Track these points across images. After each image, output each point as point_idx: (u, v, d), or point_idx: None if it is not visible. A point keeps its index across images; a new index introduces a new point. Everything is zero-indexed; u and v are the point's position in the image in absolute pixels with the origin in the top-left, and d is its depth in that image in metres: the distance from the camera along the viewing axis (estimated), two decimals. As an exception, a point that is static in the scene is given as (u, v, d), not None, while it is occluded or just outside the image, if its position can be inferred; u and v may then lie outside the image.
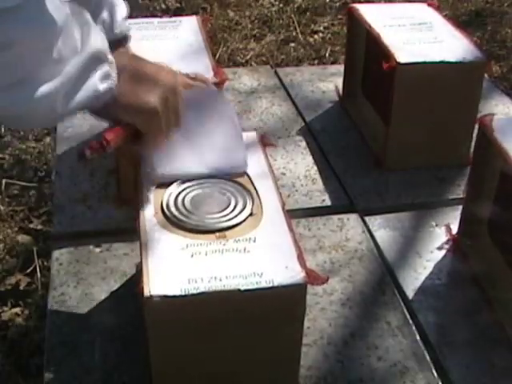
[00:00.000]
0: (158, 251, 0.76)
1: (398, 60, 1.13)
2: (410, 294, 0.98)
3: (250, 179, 0.88)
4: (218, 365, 0.78)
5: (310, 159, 1.27)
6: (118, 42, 0.92)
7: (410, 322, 0.94)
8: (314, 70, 1.67)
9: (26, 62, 0.67)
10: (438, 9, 1.35)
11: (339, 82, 1.46)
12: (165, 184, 0.86)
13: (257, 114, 1.42)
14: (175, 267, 0.74)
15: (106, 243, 1.05)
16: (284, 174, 1.23)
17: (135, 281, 0.76)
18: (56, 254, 1.04)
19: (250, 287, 0.71)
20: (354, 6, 1.33)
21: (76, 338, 0.90)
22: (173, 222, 0.80)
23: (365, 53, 1.35)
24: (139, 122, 0.82)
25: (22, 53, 0.66)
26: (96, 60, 0.75)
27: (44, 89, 0.69)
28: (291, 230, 0.79)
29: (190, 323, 0.73)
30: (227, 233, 0.79)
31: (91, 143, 0.80)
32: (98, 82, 0.76)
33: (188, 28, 1.25)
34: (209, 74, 1.08)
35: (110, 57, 0.78)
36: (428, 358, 0.89)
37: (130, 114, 0.81)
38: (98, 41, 0.76)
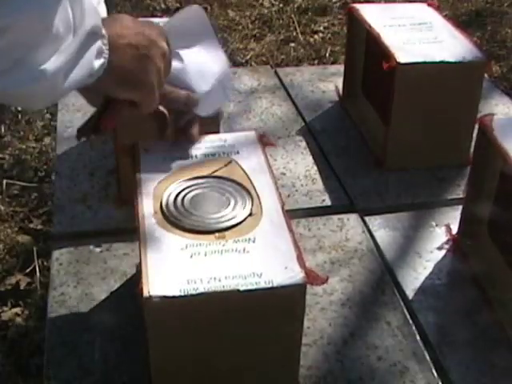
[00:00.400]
0: (157, 251, 0.76)
1: (398, 60, 1.13)
2: (410, 293, 0.98)
3: (250, 179, 0.88)
4: (218, 365, 0.78)
5: (310, 159, 1.27)
6: None
7: (410, 322, 0.94)
8: (314, 69, 1.67)
9: (23, 43, 0.66)
10: (438, 9, 1.35)
11: (339, 82, 1.46)
12: (165, 183, 0.87)
13: (257, 113, 1.42)
14: (174, 267, 0.74)
15: (106, 243, 1.05)
16: (284, 173, 1.23)
17: (135, 281, 0.76)
18: (56, 254, 1.04)
19: (250, 287, 0.71)
20: (354, 6, 1.33)
21: (76, 338, 0.90)
22: (172, 222, 0.80)
23: (365, 53, 1.35)
24: (136, 97, 0.83)
25: (19, 35, 0.65)
26: (91, 36, 0.74)
27: (43, 69, 0.68)
28: (291, 230, 0.79)
29: (190, 323, 0.73)
30: (226, 233, 0.79)
31: (90, 126, 0.84)
32: (92, 59, 0.74)
33: (188, 28, 1.25)
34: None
35: (103, 31, 0.76)
36: (428, 358, 0.89)
37: (126, 91, 0.82)
38: (91, 16, 0.73)
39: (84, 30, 0.72)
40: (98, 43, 0.75)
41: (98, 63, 0.75)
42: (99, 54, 0.75)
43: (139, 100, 0.84)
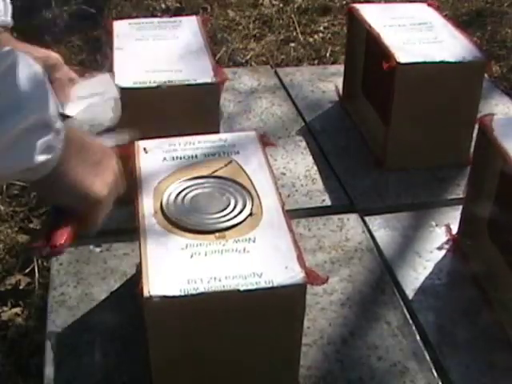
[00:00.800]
0: (157, 251, 0.76)
1: (398, 60, 1.13)
2: (410, 293, 0.98)
3: (250, 179, 0.88)
4: (218, 365, 0.78)
5: (309, 159, 1.27)
6: None
7: (410, 322, 0.94)
8: (314, 69, 1.67)
9: None
10: (438, 9, 1.35)
11: (339, 82, 1.46)
12: (165, 183, 0.86)
13: (257, 114, 1.42)
14: (175, 267, 0.74)
15: (105, 243, 1.05)
16: (284, 173, 1.23)
17: (135, 281, 0.76)
18: (56, 254, 1.04)
19: (250, 287, 0.71)
20: (354, 6, 1.33)
21: (76, 338, 0.90)
22: (172, 222, 0.80)
23: (365, 53, 1.34)
24: (82, 207, 0.74)
25: None
26: (40, 126, 0.63)
27: None
28: (291, 230, 0.79)
29: (190, 323, 0.73)
30: (227, 233, 0.79)
31: (42, 245, 0.72)
32: (36, 152, 0.62)
33: (188, 28, 1.25)
34: (209, 74, 1.08)
35: (58, 126, 0.65)
36: (428, 357, 0.89)
37: (72, 199, 0.72)
38: (46, 104, 0.63)
39: (36, 115, 0.62)
40: (48, 137, 0.63)
41: (41, 159, 0.63)
42: (47, 150, 0.64)
43: (85, 212, 0.75)
